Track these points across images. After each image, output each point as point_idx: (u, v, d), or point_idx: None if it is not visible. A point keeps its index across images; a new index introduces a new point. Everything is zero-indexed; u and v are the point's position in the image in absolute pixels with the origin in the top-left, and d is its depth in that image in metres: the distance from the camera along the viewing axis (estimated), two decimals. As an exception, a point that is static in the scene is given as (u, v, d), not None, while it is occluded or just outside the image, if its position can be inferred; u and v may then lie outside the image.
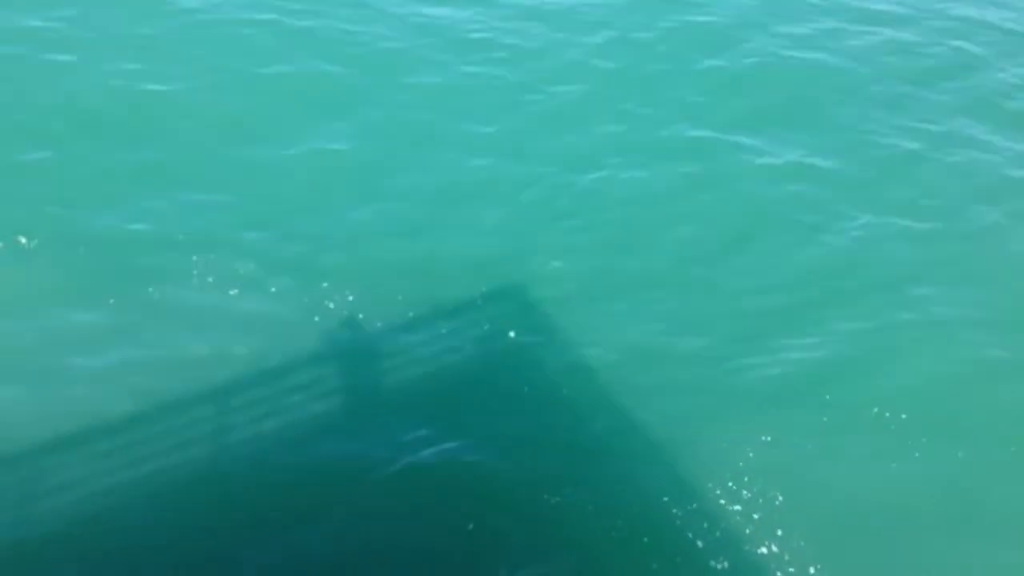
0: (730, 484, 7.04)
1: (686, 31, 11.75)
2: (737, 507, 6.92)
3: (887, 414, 7.72)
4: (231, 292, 8.07)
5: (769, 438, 7.38)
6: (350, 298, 8.09)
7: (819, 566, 6.63)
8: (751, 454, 7.25)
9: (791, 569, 6.61)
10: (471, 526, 6.64)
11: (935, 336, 8.50)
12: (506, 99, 10.59)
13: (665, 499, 6.92)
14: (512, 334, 8.04)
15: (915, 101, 11.11)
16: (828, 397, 7.80)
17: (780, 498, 6.98)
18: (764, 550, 6.70)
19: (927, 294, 8.94)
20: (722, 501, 6.94)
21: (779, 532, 6.79)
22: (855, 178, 10.13)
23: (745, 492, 7.01)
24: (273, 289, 8.10)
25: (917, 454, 7.45)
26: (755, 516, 6.87)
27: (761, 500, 6.95)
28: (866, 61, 11.53)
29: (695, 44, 11.52)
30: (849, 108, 11.01)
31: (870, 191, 10.00)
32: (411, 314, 8.02)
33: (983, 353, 8.39)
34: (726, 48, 11.54)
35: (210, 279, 8.13)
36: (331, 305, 8.01)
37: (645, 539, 6.67)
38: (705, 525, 6.78)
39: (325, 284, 8.16)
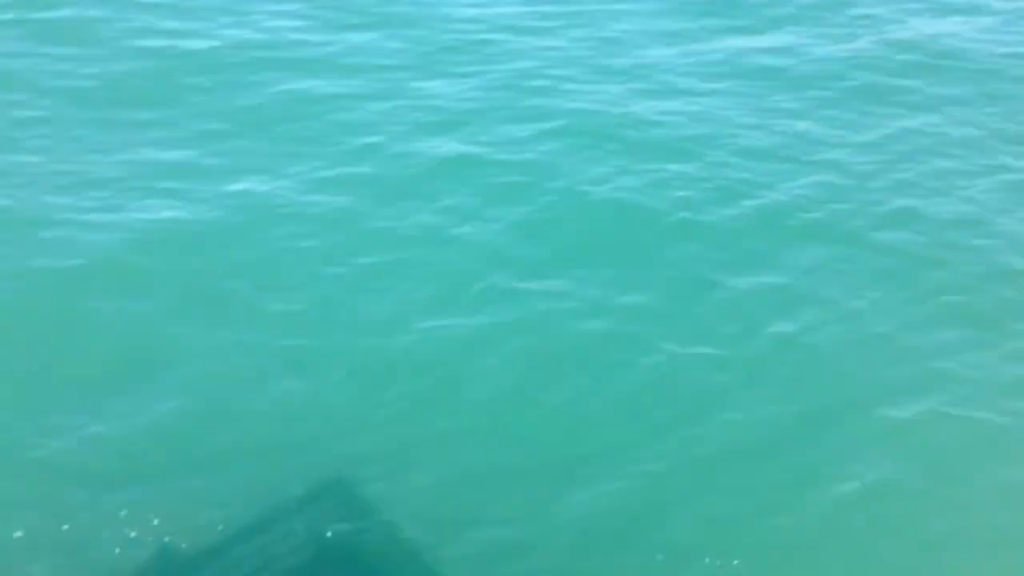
0: None
1: (485, 190, 12.04)
2: None
3: (719, 562, 7.83)
4: (16, 534, 7.55)
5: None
6: (155, 522, 7.71)
7: None
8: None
9: None
10: None
11: (744, 466, 8.75)
12: (312, 272, 10.59)
13: None
14: (329, 533, 7.82)
15: (705, 229, 11.68)
16: (659, 556, 7.85)
17: None
18: None
19: (732, 419, 9.26)
20: None
21: None
22: (656, 310, 10.49)
23: None
24: (66, 526, 7.63)
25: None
26: None
27: None
28: (656, 196, 12.07)
29: (492, 200, 11.81)
30: (646, 242, 11.44)
31: (671, 322, 10.36)
32: (220, 527, 7.69)
33: (789, 476, 8.68)
34: (525, 200, 11.87)
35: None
36: (133, 534, 7.60)
37: None
38: None
39: (124, 512, 7.76)
